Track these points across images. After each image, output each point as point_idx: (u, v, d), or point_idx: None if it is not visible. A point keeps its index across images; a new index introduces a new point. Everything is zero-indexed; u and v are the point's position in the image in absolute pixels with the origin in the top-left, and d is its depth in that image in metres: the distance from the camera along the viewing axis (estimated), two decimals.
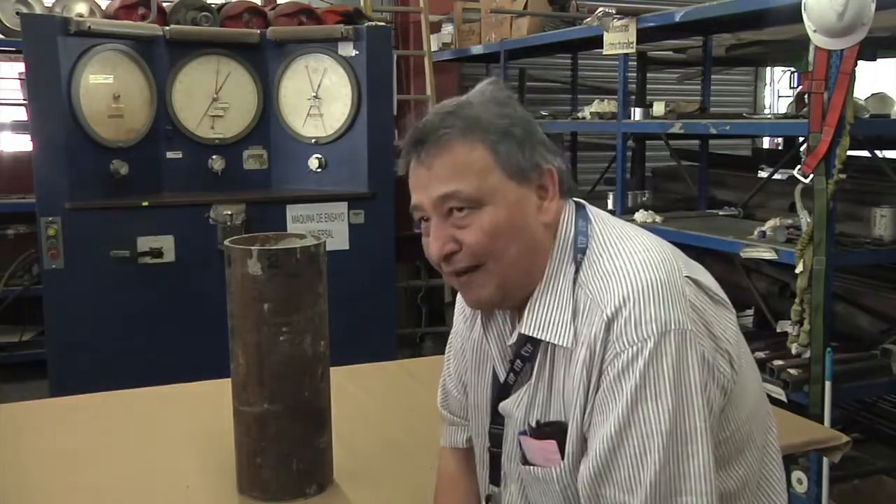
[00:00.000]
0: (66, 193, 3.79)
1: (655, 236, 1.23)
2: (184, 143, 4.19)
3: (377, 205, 4.22)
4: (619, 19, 3.77)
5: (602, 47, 3.91)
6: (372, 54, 4.22)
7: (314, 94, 4.28)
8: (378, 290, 4.24)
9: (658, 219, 3.85)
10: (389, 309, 4.39)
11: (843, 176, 2.80)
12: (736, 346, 1.18)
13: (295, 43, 4.27)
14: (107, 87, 3.92)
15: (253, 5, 4.44)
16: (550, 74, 6.28)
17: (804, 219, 2.97)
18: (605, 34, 3.85)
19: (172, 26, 4.12)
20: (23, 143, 4.95)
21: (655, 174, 5.25)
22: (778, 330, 3.42)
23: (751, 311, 4.24)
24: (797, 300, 2.91)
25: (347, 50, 4.23)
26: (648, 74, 5.28)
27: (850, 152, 2.80)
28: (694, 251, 3.26)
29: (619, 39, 3.80)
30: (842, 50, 2.71)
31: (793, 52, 4.19)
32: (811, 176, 2.84)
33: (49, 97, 3.77)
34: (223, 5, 4.35)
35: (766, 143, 6.78)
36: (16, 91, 5.33)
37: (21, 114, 4.93)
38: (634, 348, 1.08)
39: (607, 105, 4.30)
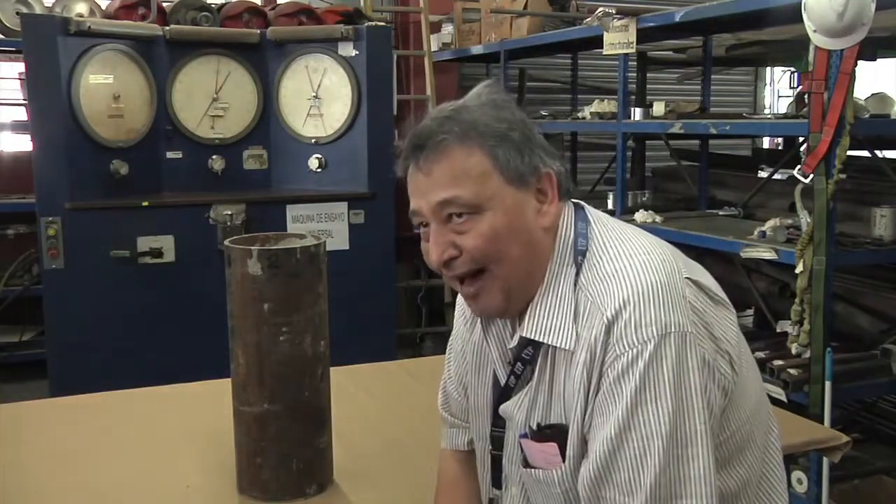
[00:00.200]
0: (66, 193, 3.79)
1: (655, 237, 1.23)
2: (184, 143, 4.19)
3: (377, 205, 4.22)
4: (619, 19, 3.77)
5: (602, 47, 3.91)
6: (372, 54, 4.22)
7: (314, 94, 4.28)
8: (378, 290, 4.24)
9: (658, 219, 3.85)
10: (389, 309, 4.39)
11: (843, 176, 2.80)
12: (736, 347, 1.18)
13: (295, 43, 4.27)
14: (107, 87, 3.92)
15: (253, 5, 4.44)
16: (550, 74, 6.28)
17: (804, 219, 2.97)
18: (605, 34, 3.85)
19: (172, 26, 4.12)
20: (23, 143, 4.95)
21: (655, 174, 5.25)
22: (778, 330, 3.42)
23: (751, 311, 4.24)
24: (797, 300, 2.91)
25: (347, 50, 4.23)
26: (648, 74, 5.28)
27: (850, 152, 2.80)
28: (694, 251, 3.26)
29: (619, 39, 3.79)
30: (842, 50, 2.71)
31: (793, 52, 4.19)
32: (811, 176, 2.84)
33: (49, 97, 3.77)
34: (223, 5, 4.35)
35: (766, 143, 6.78)
36: (16, 91, 5.33)
37: (21, 114, 4.93)
38: (634, 351, 1.08)
39: (607, 105, 4.29)
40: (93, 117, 3.87)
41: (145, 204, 3.93)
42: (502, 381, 1.28)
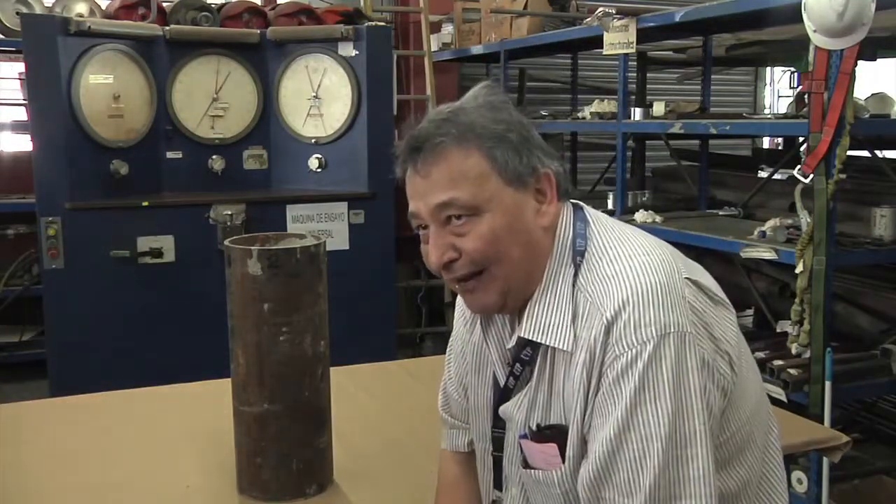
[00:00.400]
0: (66, 193, 3.79)
1: (654, 238, 1.23)
2: (184, 143, 4.20)
3: (377, 205, 4.22)
4: (619, 19, 3.77)
5: (602, 47, 3.91)
6: (372, 54, 4.22)
7: (314, 94, 4.28)
8: (378, 290, 4.24)
9: (658, 219, 3.85)
10: (389, 309, 4.39)
11: (843, 176, 2.80)
12: (736, 347, 1.18)
13: (295, 43, 4.27)
14: (107, 87, 3.92)
15: (253, 5, 4.44)
16: (550, 74, 6.28)
17: (804, 219, 2.97)
18: (605, 34, 3.85)
19: (172, 26, 4.12)
20: (23, 143, 4.95)
21: (655, 174, 5.24)
22: (778, 330, 3.42)
23: (751, 311, 4.24)
24: (797, 300, 2.91)
25: (347, 50, 4.23)
26: (648, 74, 5.28)
27: (850, 152, 2.80)
28: (694, 251, 3.27)
29: (619, 39, 3.79)
30: (842, 50, 2.71)
31: (793, 52, 4.19)
32: (811, 176, 2.84)
33: (49, 97, 3.77)
34: (223, 5, 4.35)
35: (766, 143, 6.78)
36: (16, 91, 5.33)
37: (21, 114, 4.93)
38: (634, 351, 1.08)
39: (607, 105, 4.29)
40: (93, 117, 3.87)
41: (145, 204, 3.93)
42: (502, 382, 1.28)
